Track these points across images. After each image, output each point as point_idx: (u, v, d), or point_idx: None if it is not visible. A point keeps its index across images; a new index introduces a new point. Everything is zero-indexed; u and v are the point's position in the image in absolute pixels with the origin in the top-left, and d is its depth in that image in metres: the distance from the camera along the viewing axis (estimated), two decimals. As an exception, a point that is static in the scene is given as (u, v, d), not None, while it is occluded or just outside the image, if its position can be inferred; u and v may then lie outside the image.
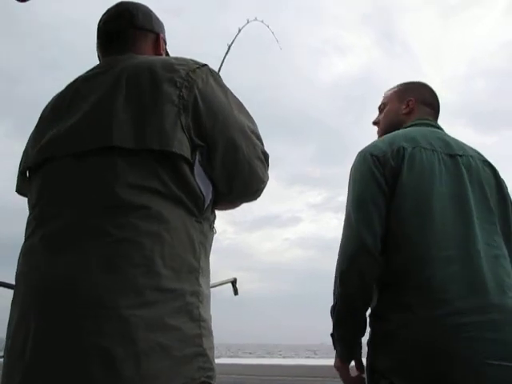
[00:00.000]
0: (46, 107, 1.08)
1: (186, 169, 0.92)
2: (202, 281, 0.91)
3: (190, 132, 0.93)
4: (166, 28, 1.21)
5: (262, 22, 1.88)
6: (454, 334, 1.10)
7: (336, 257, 1.29)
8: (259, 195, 1.10)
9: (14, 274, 0.95)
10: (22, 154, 1.08)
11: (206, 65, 1.03)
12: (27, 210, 1.00)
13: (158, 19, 1.18)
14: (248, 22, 2.09)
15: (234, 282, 2.34)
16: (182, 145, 0.91)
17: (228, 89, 1.04)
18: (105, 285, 0.80)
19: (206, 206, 0.96)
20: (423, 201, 1.23)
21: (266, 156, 1.06)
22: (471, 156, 1.35)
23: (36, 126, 1.07)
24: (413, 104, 1.51)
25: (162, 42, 1.17)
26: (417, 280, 1.18)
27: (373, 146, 1.35)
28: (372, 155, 1.30)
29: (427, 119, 1.48)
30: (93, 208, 0.87)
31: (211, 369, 0.88)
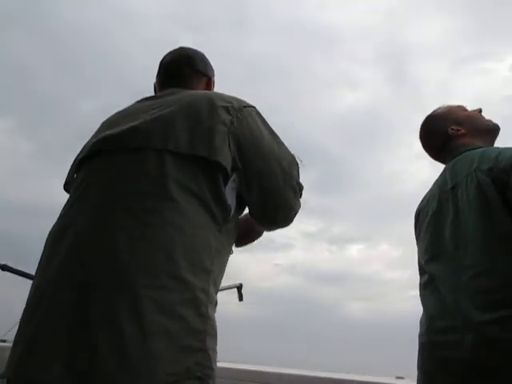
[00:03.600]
0: (106, 119, 1.20)
1: (221, 180, 1.00)
2: (212, 284, 0.95)
3: (233, 153, 1.03)
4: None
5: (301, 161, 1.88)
6: None
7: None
8: (290, 222, 1.19)
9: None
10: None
11: (254, 106, 1.16)
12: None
13: (210, 65, 1.37)
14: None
15: (239, 288, 2.33)
16: (226, 159, 1.01)
17: (272, 129, 1.16)
18: (126, 261, 0.85)
19: (229, 217, 1.04)
20: None
21: (300, 187, 1.16)
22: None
23: (95, 133, 1.18)
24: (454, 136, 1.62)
25: (212, 84, 1.35)
26: None
27: None
28: None
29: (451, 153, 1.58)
30: (133, 191, 0.95)
31: (210, 367, 0.90)
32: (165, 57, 1.35)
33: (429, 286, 1.42)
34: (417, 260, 1.57)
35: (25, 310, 0.94)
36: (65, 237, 0.95)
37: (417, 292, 1.50)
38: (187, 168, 0.98)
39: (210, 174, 0.99)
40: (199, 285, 0.91)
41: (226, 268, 1.07)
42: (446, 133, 1.59)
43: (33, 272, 1.02)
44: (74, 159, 1.17)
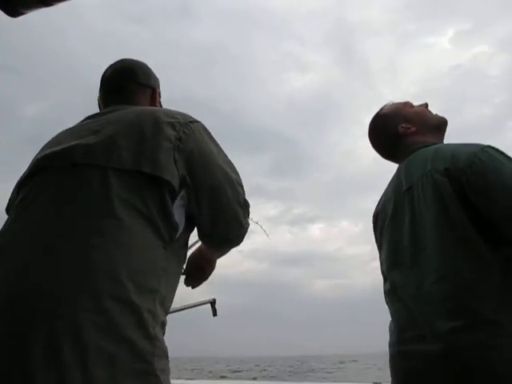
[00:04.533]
0: (52, 137, 1.17)
1: (168, 197, 0.99)
2: (158, 304, 0.93)
3: (181, 170, 1.03)
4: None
5: (257, 223, 1.91)
6: None
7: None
8: (241, 240, 1.20)
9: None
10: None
11: (200, 121, 1.16)
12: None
13: (155, 76, 1.34)
14: None
15: (213, 303, 2.28)
16: (172, 175, 1.00)
17: (218, 144, 1.17)
18: (67, 284, 0.82)
19: (177, 235, 1.02)
20: None
21: (246, 204, 1.17)
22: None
23: (39, 151, 1.14)
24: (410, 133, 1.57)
25: (157, 95, 1.33)
26: None
27: None
28: None
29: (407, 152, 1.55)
30: (74, 210, 0.92)
31: None
32: (106, 71, 1.33)
33: (392, 295, 1.39)
34: (379, 266, 1.53)
35: None
36: (2, 259, 0.90)
37: (377, 263, 1.51)
38: (132, 185, 0.96)
39: (155, 190, 0.98)
40: (145, 306, 0.88)
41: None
42: (396, 131, 1.55)
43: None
44: (13, 189, 1.12)
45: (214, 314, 2.29)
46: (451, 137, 1.46)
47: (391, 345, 1.36)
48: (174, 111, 1.12)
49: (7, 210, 1.12)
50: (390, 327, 1.40)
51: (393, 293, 1.38)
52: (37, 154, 1.13)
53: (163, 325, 0.95)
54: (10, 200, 1.12)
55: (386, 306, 1.43)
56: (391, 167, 1.53)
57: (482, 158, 1.21)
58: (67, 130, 1.17)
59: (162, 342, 0.91)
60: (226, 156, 1.17)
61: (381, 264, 1.51)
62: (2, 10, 1.28)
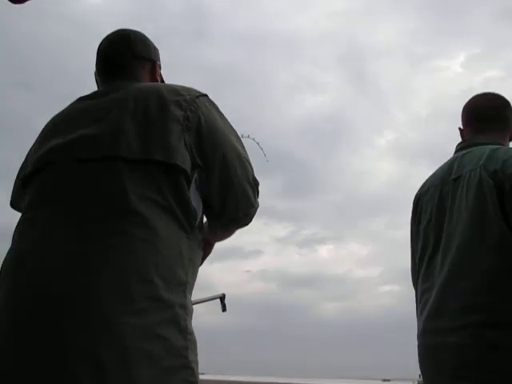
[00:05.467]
0: (48, 124, 1.10)
1: (184, 184, 0.95)
2: (188, 295, 0.93)
3: (191, 150, 0.97)
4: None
5: (254, 139, 1.98)
6: None
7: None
8: (250, 220, 1.13)
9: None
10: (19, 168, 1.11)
11: (206, 94, 1.08)
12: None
13: (154, 47, 1.23)
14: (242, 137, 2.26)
15: (222, 298, 2.29)
16: (184, 160, 0.95)
17: (226, 118, 1.10)
18: (98, 288, 0.81)
19: (196, 222, 0.99)
20: None
21: (256, 182, 1.10)
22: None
23: (37, 140, 1.08)
24: (462, 134, 1.57)
25: (157, 68, 1.22)
26: None
27: None
28: None
29: (458, 145, 1.53)
30: (90, 211, 0.89)
31: (195, 382, 0.89)
32: (102, 43, 1.20)
33: (426, 282, 1.43)
34: (410, 249, 1.56)
35: None
36: (24, 267, 0.88)
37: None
38: (145, 176, 0.92)
39: (170, 178, 0.93)
40: (177, 301, 0.88)
41: (197, 279, 1.03)
42: (510, 124, 1.52)
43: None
44: (18, 172, 1.10)
45: (224, 309, 2.31)
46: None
47: (418, 336, 1.42)
48: (177, 87, 1.06)
49: (13, 204, 1.11)
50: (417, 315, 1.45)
51: (426, 279, 1.42)
52: (37, 145, 1.06)
53: (192, 313, 0.95)
54: (14, 194, 1.10)
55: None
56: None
57: None
58: (66, 112, 1.09)
59: (192, 334, 0.91)
60: (234, 130, 1.11)
61: (413, 252, 1.53)
62: None
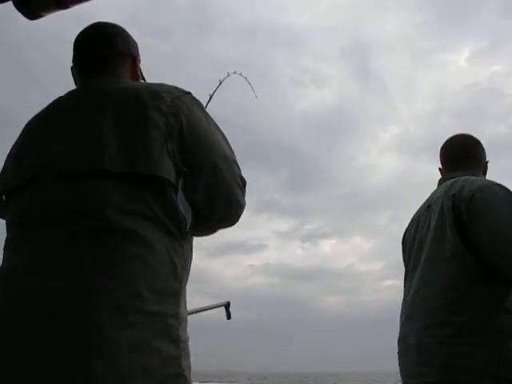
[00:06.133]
0: (26, 129, 1.07)
1: (171, 193, 0.93)
2: (182, 303, 0.93)
3: (175, 158, 0.94)
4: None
5: (241, 74, 1.96)
6: None
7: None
8: (237, 220, 1.12)
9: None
10: None
11: (189, 92, 1.04)
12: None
13: (134, 41, 1.17)
14: (228, 75, 2.33)
15: (227, 306, 2.30)
16: (169, 170, 0.92)
17: (210, 117, 1.07)
18: (89, 303, 0.81)
19: (187, 229, 0.97)
20: None
21: (243, 182, 1.09)
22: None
23: (15, 147, 1.05)
24: (441, 172, 1.73)
25: (137, 63, 1.17)
26: None
27: None
28: None
29: (438, 182, 1.69)
30: (78, 230, 0.87)
31: None
32: (79, 37, 1.14)
33: (404, 298, 1.62)
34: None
35: None
36: (15, 284, 0.87)
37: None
38: (130, 188, 0.89)
39: (155, 189, 0.91)
40: (169, 311, 0.88)
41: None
42: (482, 160, 1.69)
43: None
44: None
45: (228, 316, 2.29)
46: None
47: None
48: (158, 87, 1.01)
49: None
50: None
51: (405, 296, 1.60)
52: (16, 156, 1.02)
53: (185, 319, 0.94)
54: None
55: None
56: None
57: (484, 193, 1.40)
58: (43, 122, 1.05)
59: (185, 341, 0.91)
60: (218, 129, 1.08)
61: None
62: (21, 12, 1.28)
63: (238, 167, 1.08)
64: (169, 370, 0.85)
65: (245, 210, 1.12)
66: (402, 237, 1.76)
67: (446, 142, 1.73)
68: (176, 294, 0.91)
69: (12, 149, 1.06)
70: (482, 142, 1.69)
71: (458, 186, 1.47)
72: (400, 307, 1.60)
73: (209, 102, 2.16)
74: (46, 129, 1.02)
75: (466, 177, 1.53)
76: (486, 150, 1.71)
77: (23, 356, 0.80)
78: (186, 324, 0.94)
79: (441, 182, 1.65)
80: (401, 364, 1.53)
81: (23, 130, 1.07)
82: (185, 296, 0.96)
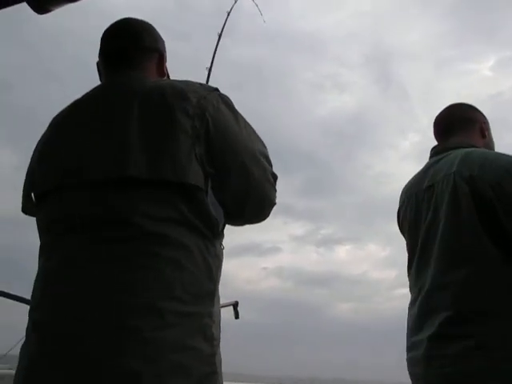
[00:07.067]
0: (53, 126, 1.06)
1: (201, 197, 0.92)
2: (216, 303, 0.95)
3: (203, 161, 0.93)
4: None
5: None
6: None
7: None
8: (267, 216, 1.11)
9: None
10: (26, 173, 1.07)
11: (216, 89, 1.03)
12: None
13: (161, 38, 1.17)
14: (235, 2, 2.38)
15: (235, 305, 2.28)
16: (197, 175, 0.91)
17: (238, 113, 1.03)
18: (128, 308, 0.82)
19: (219, 229, 0.98)
20: None
21: (274, 178, 1.07)
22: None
23: (40, 149, 1.05)
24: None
25: (164, 60, 1.16)
26: None
27: None
28: None
29: (432, 150, 1.51)
30: (111, 237, 0.88)
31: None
32: (106, 32, 1.14)
33: (411, 289, 1.41)
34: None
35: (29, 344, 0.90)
36: (54, 292, 0.90)
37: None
38: (159, 196, 0.89)
39: (186, 196, 0.90)
40: (205, 311, 0.90)
41: None
42: (477, 120, 1.50)
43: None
44: (25, 182, 1.06)
45: (236, 316, 2.29)
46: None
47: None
48: (184, 86, 0.98)
49: (24, 211, 1.08)
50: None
51: (411, 286, 1.40)
52: (45, 157, 1.02)
53: (219, 316, 0.96)
54: (23, 203, 1.06)
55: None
56: None
57: None
58: (68, 118, 1.05)
59: (218, 339, 0.93)
60: (247, 125, 1.04)
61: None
62: (30, 6, 1.31)
63: (269, 163, 1.06)
64: (205, 368, 0.87)
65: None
66: (397, 221, 1.55)
67: (438, 114, 1.57)
68: (211, 294, 0.93)
69: (36, 149, 1.06)
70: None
71: (473, 164, 1.24)
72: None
73: (219, 40, 2.19)
74: (70, 131, 1.01)
75: (476, 150, 1.33)
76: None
77: (61, 357, 0.82)
78: (220, 320, 0.96)
79: (436, 153, 1.45)
80: (412, 374, 1.36)
81: (48, 130, 1.07)
82: (218, 294, 0.97)
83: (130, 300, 0.83)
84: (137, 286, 0.84)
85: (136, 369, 0.79)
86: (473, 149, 1.34)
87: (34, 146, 1.08)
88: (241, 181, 0.99)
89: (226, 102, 1.01)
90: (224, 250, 1.04)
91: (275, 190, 1.07)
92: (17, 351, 0.94)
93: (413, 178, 1.49)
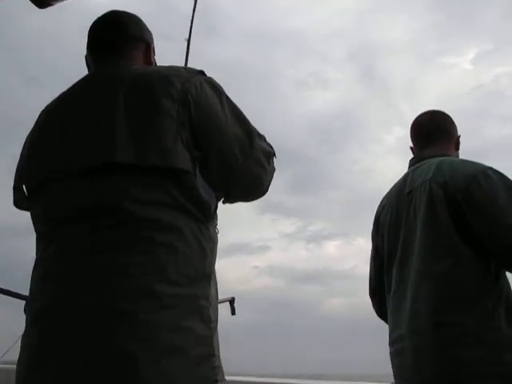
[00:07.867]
0: (41, 118, 1.06)
1: (190, 181, 0.93)
2: (212, 284, 0.96)
3: (188, 145, 0.93)
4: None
5: None
6: None
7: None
8: (264, 193, 1.11)
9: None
10: (16, 168, 1.06)
11: (201, 71, 1.02)
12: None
13: (148, 29, 1.17)
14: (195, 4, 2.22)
15: (231, 301, 2.28)
16: (184, 159, 0.91)
17: (223, 93, 1.02)
18: (122, 292, 0.83)
19: (211, 211, 0.98)
20: None
21: (267, 155, 1.05)
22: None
23: (31, 140, 1.05)
24: (413, 152, 1.65)
25: (151, 51, 1.17)
26: None
27: None
28: None
29: (410, 161, 1.61)
30: (103, 224, 0.88)
31: (221, 367, 0.91)
32: (93, 24, 1.15)
33: (389, 293, 1.52)
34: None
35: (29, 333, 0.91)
36: (54, 281, 0.90)
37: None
38: (147, 180, 0.89)
39: (174, 180, 0.91)
40: (201, 293, 0.90)
41: None
42: (453, 134, 1.62)
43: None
44: (16, 176, 1.04)
45: (233, 312, 2.28)
46: (471, 157, 1.48)
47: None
48: (168, 72, 0.99)
49: (16, 205, 1.07)
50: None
51: (389, 290, 1.51)
52: (32, 151, 1.03)
53: (215, 299, 0.97)
54: (15, 196, 1.05)
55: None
56: None
57: (481, 181, 1.32)
58: (55, 109, 1.06)
59: (215, 322, 0.94)
60: (234, 107, 1.03)
61: (376, 262, 1.62)
62: (31, 0, 1.30)
63: (260, 140, 1.04)
64: (202, 349, 0.87)
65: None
66: (373, 226, 1.64)
67: (415, 120, 1.65)
68: (207, 276, 0.93)
69: (25, 143, 1.06)
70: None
71: (445, 172, 1.37)
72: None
73: (188, 45, 2.13)
74: (58, 123, 1.02)
75: (447, 159, 1.46)
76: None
77: (65, 339, 0.83)
78: (216, 304, 0.97)
79: (414, 163, 1.56)
80: (395, 366, 1.44)
81: (36, 123, 1.07)
82: (215, 277, 0.98)
83: (123, 283, 0.83)
84: (130, 269, 0.84)
85: (131, 349, 0.79)
86: (445, 158, 1.48)
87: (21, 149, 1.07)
88: (224, 162, 0.99)
89: (211, 82, 1.01)
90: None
91: (266, 168, 1.05)
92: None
93: (394, 186, 1.60)
